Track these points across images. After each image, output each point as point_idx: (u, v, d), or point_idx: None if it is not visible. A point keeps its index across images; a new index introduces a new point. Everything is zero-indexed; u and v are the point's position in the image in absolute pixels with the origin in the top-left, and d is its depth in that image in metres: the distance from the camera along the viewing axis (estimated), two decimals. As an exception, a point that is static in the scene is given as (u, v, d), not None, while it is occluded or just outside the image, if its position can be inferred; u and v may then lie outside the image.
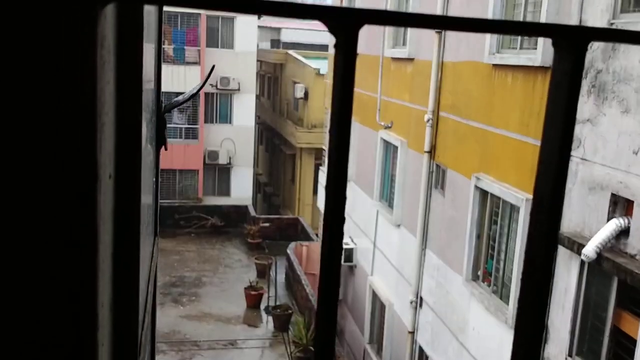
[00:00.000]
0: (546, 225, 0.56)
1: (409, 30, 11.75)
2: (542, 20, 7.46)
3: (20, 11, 0.50)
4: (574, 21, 6.93)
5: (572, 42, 0.54)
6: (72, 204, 0.59)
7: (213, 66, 3.06)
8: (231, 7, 0.49)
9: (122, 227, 0.89)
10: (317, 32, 38.78)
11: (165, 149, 1.84)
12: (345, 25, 0.50)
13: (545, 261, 0.57)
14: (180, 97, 2.31)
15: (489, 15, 8.67)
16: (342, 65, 0.51)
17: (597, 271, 6.43)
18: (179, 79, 24.10)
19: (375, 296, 13.43)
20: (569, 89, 0.54)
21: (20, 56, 0.52)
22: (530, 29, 0.57)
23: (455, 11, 10.06)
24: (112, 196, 0.73)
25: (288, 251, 19.29)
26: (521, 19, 8.18)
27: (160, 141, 1.75)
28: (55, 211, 0.58)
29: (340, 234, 0.52)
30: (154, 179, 1.74)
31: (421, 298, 11.12)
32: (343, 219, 0.53)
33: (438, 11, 10.32)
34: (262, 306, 17.47)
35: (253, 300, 17.45)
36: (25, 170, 0.55)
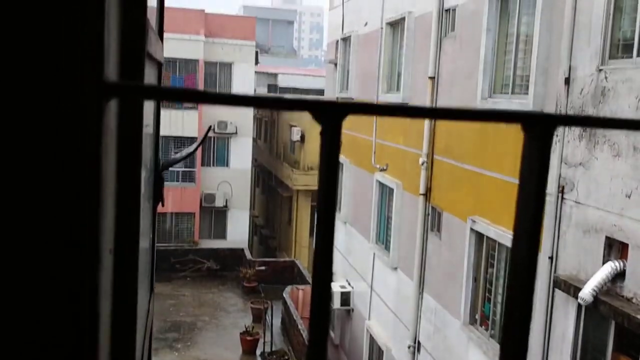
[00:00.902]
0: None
1: (403, 75, 11.96)
2: (533, 66, 7.61)
3: (29, 105, 0.55)
4: (563, 67, 7.07)
5: (539, 126, 0.59)
6: (75, 276, 0.62)
7: (209, 127, 3.13)
8: (225, 102, 0.54)
9: (121, 301, 0.91)
10: (312, 78, 39.33)
11: (162, 206, 1.88)
12: (330, 116, 0.55)
13: (525, 298, 0.59)
14: (177, 155, 2.37)
15: (481, 62, 8.85)
16: (327, 151, 0.55)
17: (594, 315, 6.41)
18: (177, 124, 24.42)
19: (372, 341, 13.27)
20: (538, 172, 0.58)
21: (25, 149, 0.56)
22: (499, 116, 0.61)
23: (447, 60, 10.26)
24: (112, 271, 0.77)
25: (284, 295, 19.08)
26: (512, 66, 8.34)
27: (157, 198, 1.80)
28: (55, 290, 0.61)
29: (329, 264, 0.55)
30: (150, 236, 1.78)
31: (419, 342, 11.01)
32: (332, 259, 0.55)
33: (431, 61, 10.54)
34: (258, 352, 17.21)
35: (249, 345, 17.20)
36: (28, 254, 0.59)
